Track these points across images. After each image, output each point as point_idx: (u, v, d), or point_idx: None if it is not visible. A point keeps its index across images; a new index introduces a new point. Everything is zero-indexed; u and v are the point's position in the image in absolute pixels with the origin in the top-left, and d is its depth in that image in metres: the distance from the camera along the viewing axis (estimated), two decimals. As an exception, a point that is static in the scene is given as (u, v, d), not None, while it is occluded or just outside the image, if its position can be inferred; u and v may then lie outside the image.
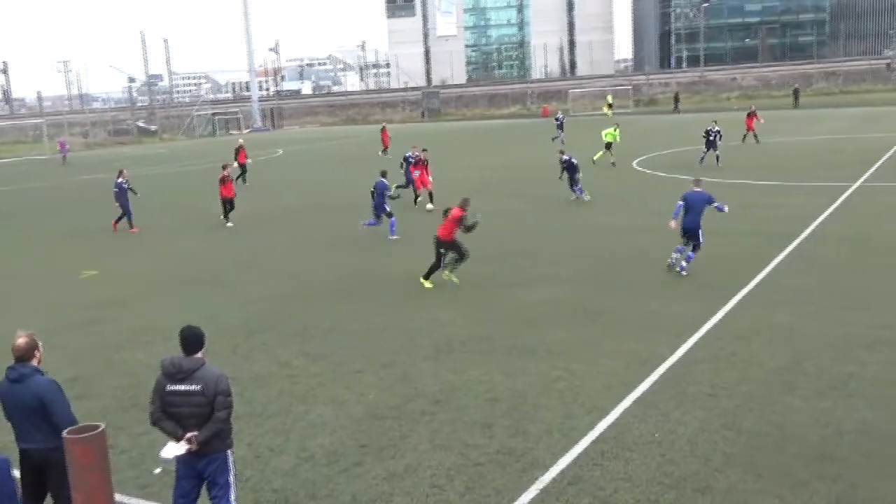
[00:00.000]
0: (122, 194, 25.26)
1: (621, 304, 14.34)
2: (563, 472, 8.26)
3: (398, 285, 16.60)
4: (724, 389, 10.15)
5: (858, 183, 26.48)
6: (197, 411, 6.52)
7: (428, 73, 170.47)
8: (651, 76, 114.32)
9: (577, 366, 11.29)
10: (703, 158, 34.07)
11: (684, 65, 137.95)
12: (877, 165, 30.53)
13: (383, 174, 22.17)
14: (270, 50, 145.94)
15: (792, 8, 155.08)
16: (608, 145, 36.61)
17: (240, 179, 34.98)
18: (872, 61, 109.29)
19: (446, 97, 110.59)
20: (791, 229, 19.64)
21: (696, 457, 8.45)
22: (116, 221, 25.50)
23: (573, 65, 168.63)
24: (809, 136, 44.06)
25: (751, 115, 41.75)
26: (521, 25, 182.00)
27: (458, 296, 15.45)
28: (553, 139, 46.26)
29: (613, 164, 35.54)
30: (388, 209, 21.50)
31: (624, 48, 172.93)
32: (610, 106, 79.21)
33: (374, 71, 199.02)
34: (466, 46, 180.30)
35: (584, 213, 24.36)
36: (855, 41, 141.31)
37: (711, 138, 33.70)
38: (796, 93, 73.22)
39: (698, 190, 16.39)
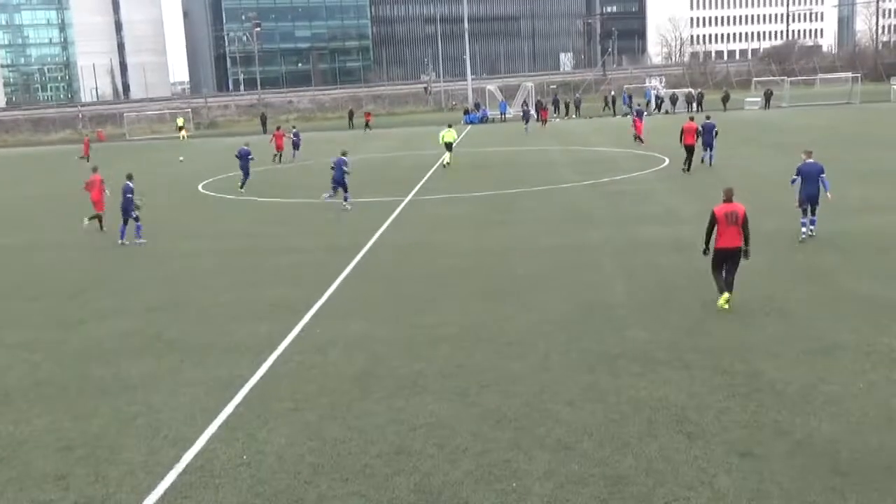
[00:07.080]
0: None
1: (197, 329, 14.06)
2: (150, 512, 7.87)
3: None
4: (306, 402, 10.41)
5: (410, 196, 28.80)
6: None
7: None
8: (209, 99, 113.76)
9: (157, 398, 10.82)
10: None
11: (242, 88, 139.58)
12: (424, 180, 33.46)
13: (344, 153, 26.44)
14: None
15: (338, 35, 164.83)
16: (449, 146, 37.67)
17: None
18: (413, 85, 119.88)
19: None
20: (355, 242, 20.74)
21: (286, 472, 8.55)
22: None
23: (126, 87, 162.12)
24: (366, 154, 46.79)
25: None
26: (65, 45, 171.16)
27: (9, 339, 13.98)
28: None
29: (447, 164, 37.19)
30: None
31: (180, 71, 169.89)
32: (180, 129, 77.28)
33: None
34: (3, 66, 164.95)
35: (148, 242, 23.46)
36: (396, 66, 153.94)
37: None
38: (351, 114, 77.55)
39: (810, 161, 17.87)
